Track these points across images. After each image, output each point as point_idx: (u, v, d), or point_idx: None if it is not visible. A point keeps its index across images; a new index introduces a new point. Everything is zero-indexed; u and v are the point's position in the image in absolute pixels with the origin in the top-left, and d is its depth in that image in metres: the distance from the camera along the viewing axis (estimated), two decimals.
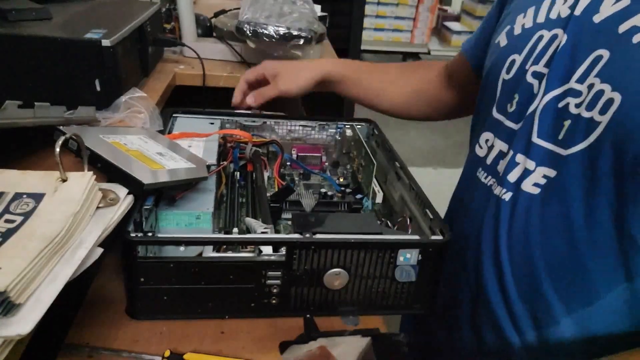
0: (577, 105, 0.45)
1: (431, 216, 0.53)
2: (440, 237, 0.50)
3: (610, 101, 0.42)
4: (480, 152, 0.57)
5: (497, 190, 0.53)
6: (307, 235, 0.47)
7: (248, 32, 0.87)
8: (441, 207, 0.61)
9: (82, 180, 0.44)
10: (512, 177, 0.51)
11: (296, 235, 0.47)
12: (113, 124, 0.63)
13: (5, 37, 0.59)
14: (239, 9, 1.05)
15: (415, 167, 2.56)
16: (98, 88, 0.63)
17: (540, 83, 0.49)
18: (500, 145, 0.54)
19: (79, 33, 0.62)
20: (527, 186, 0.50)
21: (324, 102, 0.63)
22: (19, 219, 0.40)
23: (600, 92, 0.43)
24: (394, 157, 0.67)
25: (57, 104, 0.54)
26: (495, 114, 0.55)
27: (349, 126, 0.77)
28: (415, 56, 4.14)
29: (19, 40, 0.59)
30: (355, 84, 0.78)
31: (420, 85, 0.79)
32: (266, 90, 0.73)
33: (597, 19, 0.45)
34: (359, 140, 0.73)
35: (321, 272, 0.48)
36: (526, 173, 0.50)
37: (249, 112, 0.75)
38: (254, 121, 0.75)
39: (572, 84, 0.46)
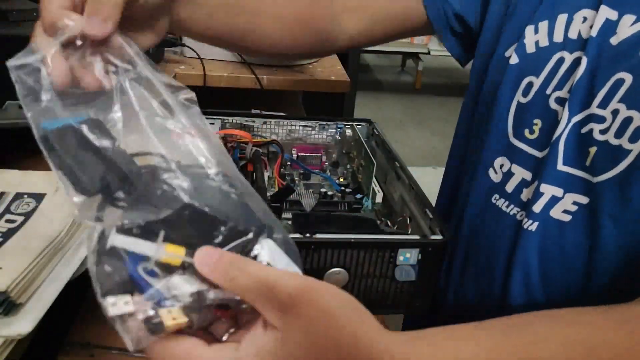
0: (602, 132, 0.44)
1: (431, 216, 0.53)
2: (440, 237, 0.50)
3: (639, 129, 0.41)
4: (495, 177, 0.54)
5: (524, 221, 0.51)
6: (307, 235, 0.47)
7: None
8: None
9: None
10: (538, 207, 0.49)
11: (296, 235, 0.47)
12: None
13: (6, 37, 0.59)
14: None
15: (415, 167, 2.56)
16: None
17: (564, 109, 0.47)
18: (522, 173, 0.51)
19: None
20: (557, 213, 0.48)
21: (324, 102, 0.63)
22: (20, 219, 0.40)
23: (629, 120, 0.42)
24: (393, 157, 0.67)
25: None
26: (512, 139, 0.52)
27: (349, 126, 0.78)
28: (415, 56, 4.15)
29: (21, 40, 0.59)
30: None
31: (306, 13, 0.59)
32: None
33: (614, 41, 0.44)
34: (359, 140, 0.73)
35: (321, 272, 0.49)
36: (554, 201, 0.48)
37: (250, 112, 0.75)
38: (253, 121, 0.75)
39: (594, 109, 0.44)
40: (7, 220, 0.40)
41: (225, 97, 0.99)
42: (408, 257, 0.49)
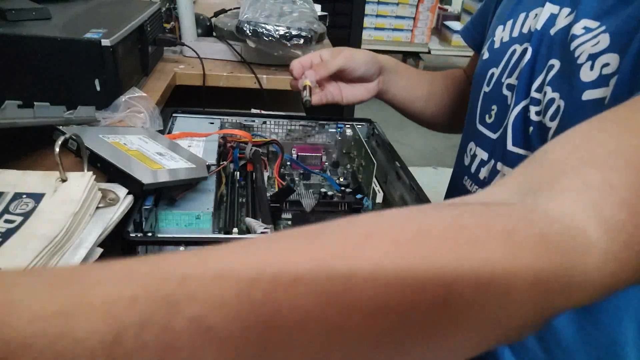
0: (537, 113, 0.48)
1: None
2: None
3: (558, 108, 0.45)
4: (466, 161, 0.60)
5: None
6: None
7: (248, 31, 0.87)
8: None
9: (82, 180, 0.44)
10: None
11: None
12: (113, 123, 0.63)
13: (4, 36, 0.59)
14: (239, 8, 1.05)
15: (415, 167, 2.56)
16: (98, 88, 0.63)
17: (512, 95, 0.52)
18: (481, 154, 0.57)
19: (78, 33, 0.62)
20: None
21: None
22: (19, 219, 0.40)
23: (552, 100, 0.46)
24: (394, 157, 0.67)
25: (56, 104, 0.54)
26: (478, 125, 0.58)
27: (349, 126, 0.77)
28: (415, 55, 4.14)
29: (19, 40, 0.59)
30: (406, 86, 0.74)
31: (457, 97, 0.77)
32: (329, 62, 0.67)
33: (552, 31, 0.48)
34: (359, 140, 0.73)
35: None
36: None
37: (249, 112, 0.75)
38: (253, 121, 0.75)
39: (533, 93, 0.49)
40: (6, 221, 0.40)
41: (225, 97, 0.99)
42: None
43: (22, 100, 0.49)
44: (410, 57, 4.34)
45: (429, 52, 3.91)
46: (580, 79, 0.43)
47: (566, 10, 0.48)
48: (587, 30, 0.44)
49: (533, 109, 0.49)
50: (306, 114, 0.78)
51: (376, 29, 3.79)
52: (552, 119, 0.46)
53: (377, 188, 0.67)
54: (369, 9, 3.54)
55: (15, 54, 0.59)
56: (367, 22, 3.59)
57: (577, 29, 0.45)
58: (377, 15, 3.75)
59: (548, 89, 0.47)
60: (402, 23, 3.83)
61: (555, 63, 0.47)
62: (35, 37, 0.59)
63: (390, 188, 0.67)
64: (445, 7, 4.28)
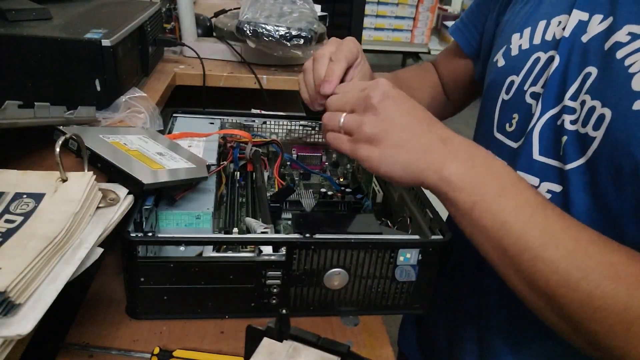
0: (573, 122, 0.47)
1: (431, 216, 0.53)
2: (440, 237, 0.50)
3: (602, 117, 0.43)
4: None
5: None
6: (307, 235, 0.47)
7: (248, 32, 0.87)
8: (441, 207, 0.61)
9: (82, 180, 0.44)
10: None
11: (296, 235, 0.47)
12: (113, 124, 0.63)
13: (5, 37, 0.59)
14: (239, 8, 1.05)
15: None
16: (98, 88, 0.63)
17: (537, 103, 0.50)
18: None
19: (79, 33, 0.62)
20: None
21: None
22: (19, 219, 0.40)
23: (592, 109, 0.44)
24: None
25: (57, 104, 0.54)
26: (496, 134, 0.56)
27: None
28: (415, 56, 4.14)
29: (19, 40, 0.59)
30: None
31: (433, 91, 0.78)
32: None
33: (585, 38, 0.47)
34: None
35: (321, 272, 0.48)
36: None
37: (250, 112, 0.75)
38: (253, 121, 0.75)
39: (566, 101, 0.47)
40: (7, 221, 0.40)
41: (225, 97, 0.99)
42: (408, 257, 0.49)
43: (22, 101, 0.49)
44: (410, 57, 4.35)
45: (428, 52, 3.91)
46: (632, 88, 0.41)
47: (598, 17, 0.47)
48: (634, 37, 0.43)
49: (568, 118, 0.47)
50: (306, 114, 0.78)
51: (376, 29, 3.79)
52: (595, 128, 0.44)
53: (377, 188, 0.67)
54: (368, 9, 3.55)
55: (16, 54, 0.59)
56: (367, 22, 3.60)
57: (621, 37, 0.44)
58: (377, 16, 3.75)
59: (586, 97, 0.45)
60: (401, 23, 3.83)
61: (592, 71, 0.45)
62: (36, 38, 0.59)
63: (390, 188, 0.67)
64: (445, 7, 4.29)
